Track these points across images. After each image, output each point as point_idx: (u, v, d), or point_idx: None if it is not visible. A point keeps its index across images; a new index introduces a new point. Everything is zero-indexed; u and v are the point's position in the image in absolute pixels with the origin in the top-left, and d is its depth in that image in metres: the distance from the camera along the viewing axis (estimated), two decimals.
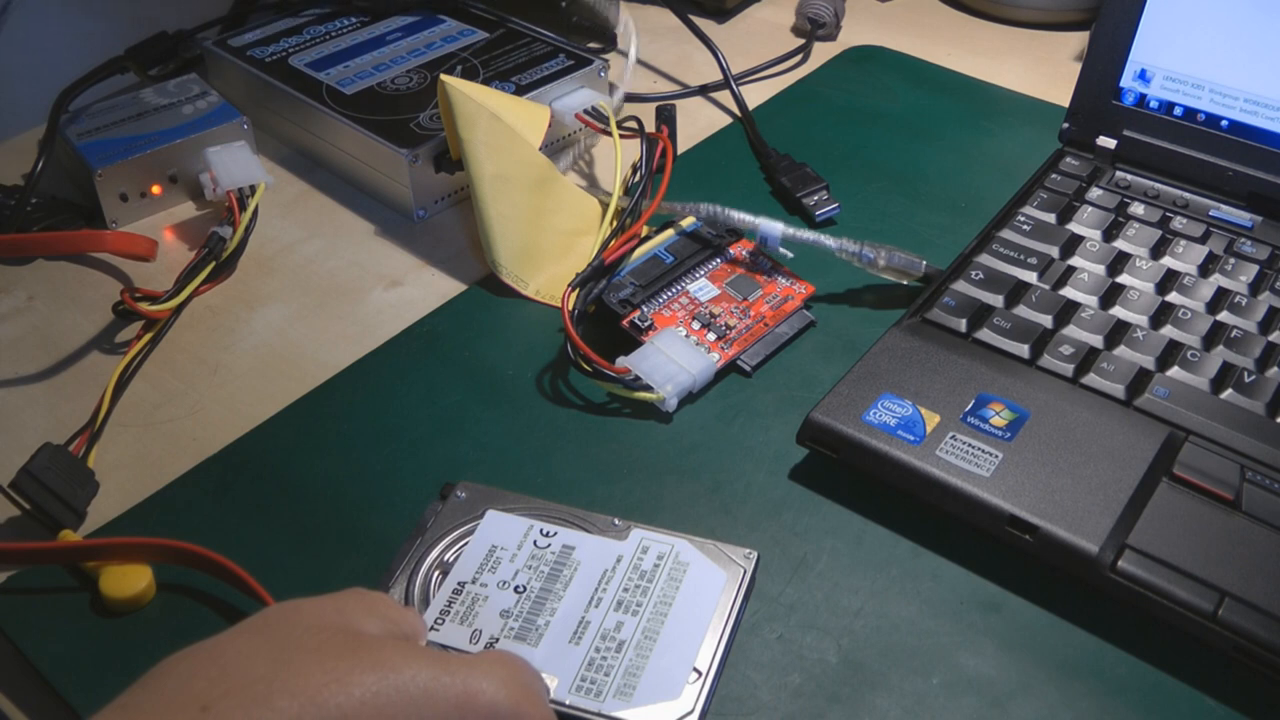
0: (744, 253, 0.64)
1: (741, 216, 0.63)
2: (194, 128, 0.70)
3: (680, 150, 0.74)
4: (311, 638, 0.37)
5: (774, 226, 0.62)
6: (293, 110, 0.74)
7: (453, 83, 0.64)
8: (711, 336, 0.59)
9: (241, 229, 0.66)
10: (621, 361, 0.57)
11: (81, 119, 0.72)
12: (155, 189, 0.70)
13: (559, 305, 0.58)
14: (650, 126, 0.71)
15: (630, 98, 0.78)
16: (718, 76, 0.80)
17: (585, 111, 0.71)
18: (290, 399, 0.58)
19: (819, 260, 0.63)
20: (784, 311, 0.61)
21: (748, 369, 0.59)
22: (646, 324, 0.59)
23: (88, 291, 0.65)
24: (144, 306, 0.61)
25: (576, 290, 0.59)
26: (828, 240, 0.61)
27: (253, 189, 0.68)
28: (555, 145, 0.73)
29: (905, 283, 0.62)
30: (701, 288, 0.62)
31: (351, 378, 0.60)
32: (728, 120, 0.78)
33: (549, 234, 0.65)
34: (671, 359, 0.57)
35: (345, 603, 0.40)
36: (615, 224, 0.64)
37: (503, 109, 0.65)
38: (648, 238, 0.63)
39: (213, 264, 0.65)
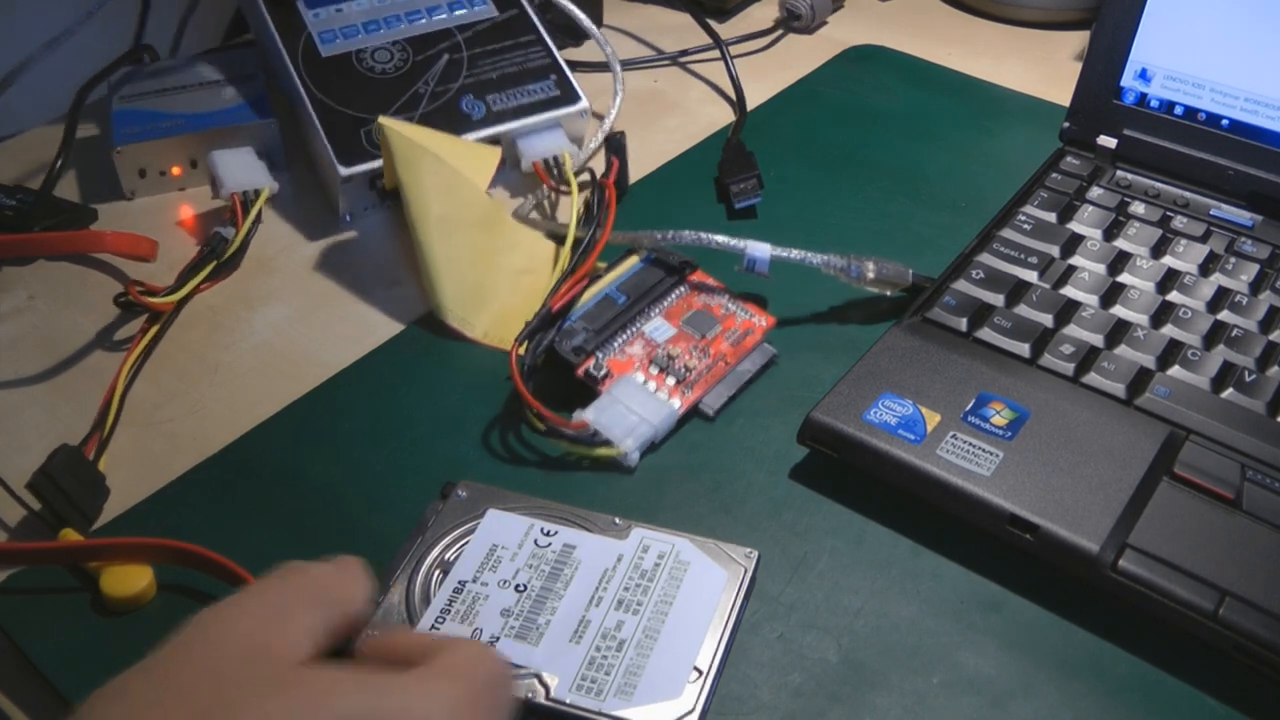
0: (700, 285, 0.61)
1: (724, 240, 0.60)
2: (222, 118, 0.70)
3: (672, 156, 0.74)
4: (234, 670, 0.36)
5: (761, 249, 0.60)
6: (275, 61, 0.72)
7: (392, 126, 0.62)
8: (671, 381, 0.57)
9: (243, 232, 0.66)
10: (578, 415, 0.55)
11: (131, 78, 0.72)
12: (175, 170, 0.71)
13: (508, 349, 0.56)
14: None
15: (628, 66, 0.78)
16: (721, 76, 0.80)
17: (544, 161, 0.69)
18: (291, 398, 0.58)
19: (800, 275, 0.61)
20: (745, 348, 0.59)
21: (710, 414, 0.57)
22: (603, 372, 0.56)
23: (88, 291, 0.65)
24: (147, 299, 0.61)
25: (526, 343, 0.57)
26: (815, 258, 0.60)
27: (257, 193, 0.68)
28: (519, 182, 0.71)
29: (889, 293, 0.61)
30: (657, 327, 0.59)
31: (352, 377, 0.60)
32: (726, 120, 0.78)
33: (498, 274, 0.63)
34: (631, 409, 0.55)
35: (270, 607, 0.38)
36: (565, 269, 0.61)
37: (447, 151, 0.63)
38: (599, 275, 0.61)
39: (214, 263, 0.65)
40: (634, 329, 0.59)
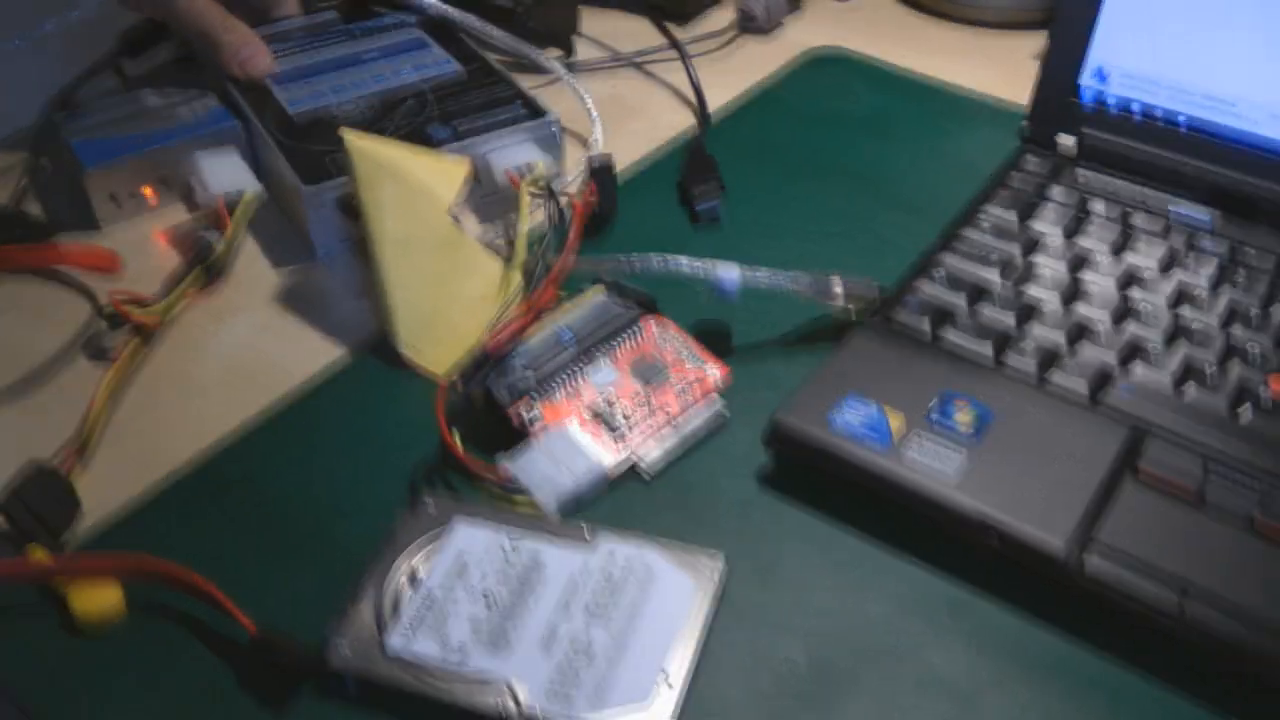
0: (655, 327, 0.59)
1: (690, 263, 0.58)
2: (188, 131, 0.70)
3: (634, 161, 0.74)
4: None
5: (729, 273, 0.58)
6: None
7: (354, 140, 0.61)
8: (609, 434, 0.55)
9: (230, 236, 0.65)
10: (501, 462, 0.53)
11: (78, 115, 0.71)
12: (146, 191, 0.70)
13: (455, 381, 0.55)
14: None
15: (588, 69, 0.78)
16: (680, 80, 0.81)
17: (516, 168, 0.67)
18: (260, 411, 0.58)
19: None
20: (694, 402, 0.56)
21: (647, 477, 0.54)
22: (536, 418, 0.55)
23: (53, 306, 0.64)
24: (132, 312, 0.61)
25: (458, 381, 0.55)
26: (782, 278, 0.58)
27: (244, 197, 0.67)
28: (492, 199, 0.69)
29: (853, 308, 0.59)
30: (603, 373, 0.57)
31: (321, 389, 0.59)
32: (687, 125, 0.78)
33: (454, 301, 0.61)
34: (557, 463, 0.53)
35: None
36: (512, 301, 0.60)
37: (414, 164, 0.62)
38: (556, 307, 0.59)
39: (202, 271, 0.64)
40: (578, 373, 0.57)
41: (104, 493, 0.54)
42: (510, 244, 0.65)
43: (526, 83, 0.74)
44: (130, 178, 0.69)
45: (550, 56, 0.79)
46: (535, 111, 0.70)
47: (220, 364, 0.61)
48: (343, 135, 0.61)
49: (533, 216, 0.66)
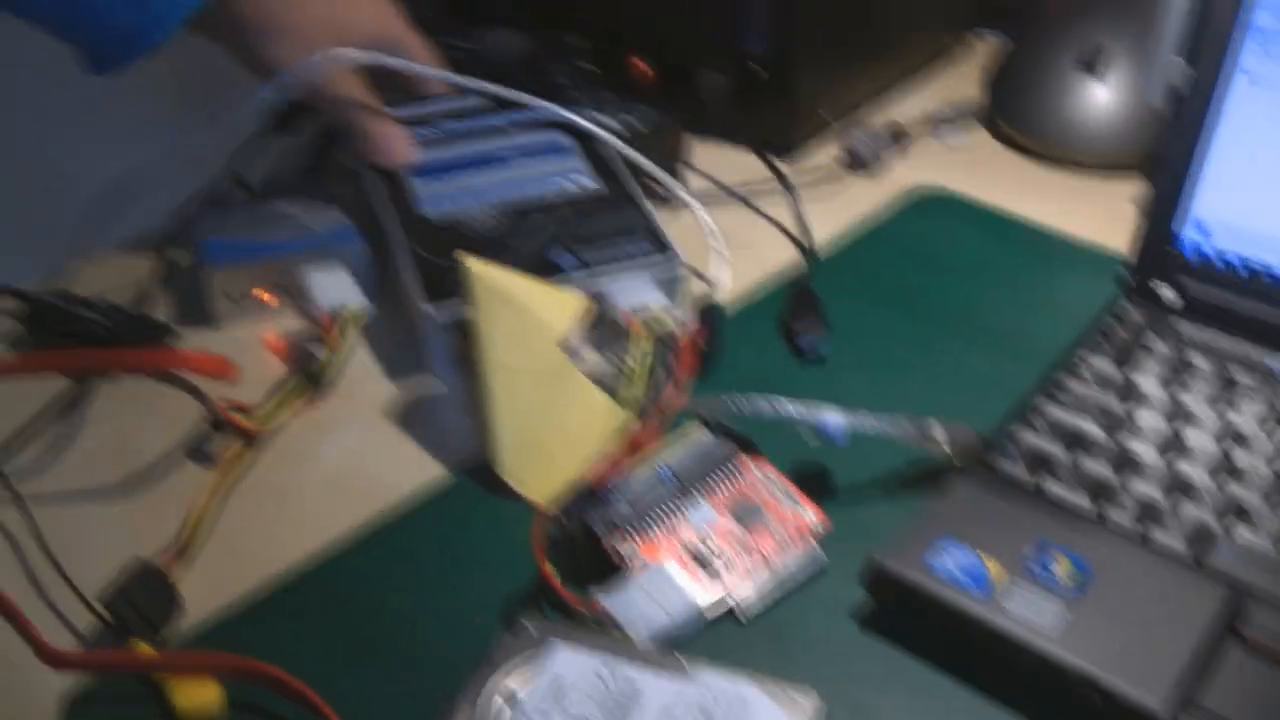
0: (755, 470, 0.60)
1: (797, 410, 0.58)
2: (308, 243, 0.72)
3: (739, 298, 0.75)
4: None
5: (835, 420, 0.58)
6: (375, 211, 0.74)
7: (474, 267, 0.62)
8: (707, 575, 0.55)
9: (336, 351, 0.67)
10: (597, 596, 0.53)
11: (211, 214, 0.75)
12: (265, 295, 0.73)
13: (555, 511, 0.56)
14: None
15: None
16: (784, 216, 0.82)
17: (633, 308, 0.67)
18: (363, 524, 0.60)
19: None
20: (790, 545, 0.57)
21: (743, 619, 0.54)
22: (633, 553, 0.55)
23: (167, 408, 0.67)
24: (239, 420, 0.63)
25: (558, 513, 0.56)
26: (885, 424, 0.59)
27: (350, 312, 0.69)
28: (605, 333, 0.68)
29: (952, 453, 0.60)
30: (702, 513, 0.57)
31: (426, 505, 0.61)
32: (790, 259, 0.80)
33: (557, 432, 0.62)
34: (652, 598, 0.53)
35: None
36: (616, 436, 0.61)
37: (531, 295, 0.63)
38: (659, 446, 0.60)
39: (307, 383, 0.66)
40: (676, 511, 0.57)
41: (205, 593, 0.56)
42: (618, 378, 0.65)
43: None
44: (250, 281, 0.72)
45: (680, 185, 0.79)
46: (659, 246, 0.70)
47: (324, 475, 0.63)
48: (463, 262, 0.62)
49: (642, 353, 0.67)
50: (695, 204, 0.77)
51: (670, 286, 0.70)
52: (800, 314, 0.72)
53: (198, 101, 0.85)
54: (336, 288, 0.70)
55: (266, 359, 0.70)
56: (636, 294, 0.68)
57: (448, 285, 0.65)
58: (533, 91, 0.76)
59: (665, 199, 0.80)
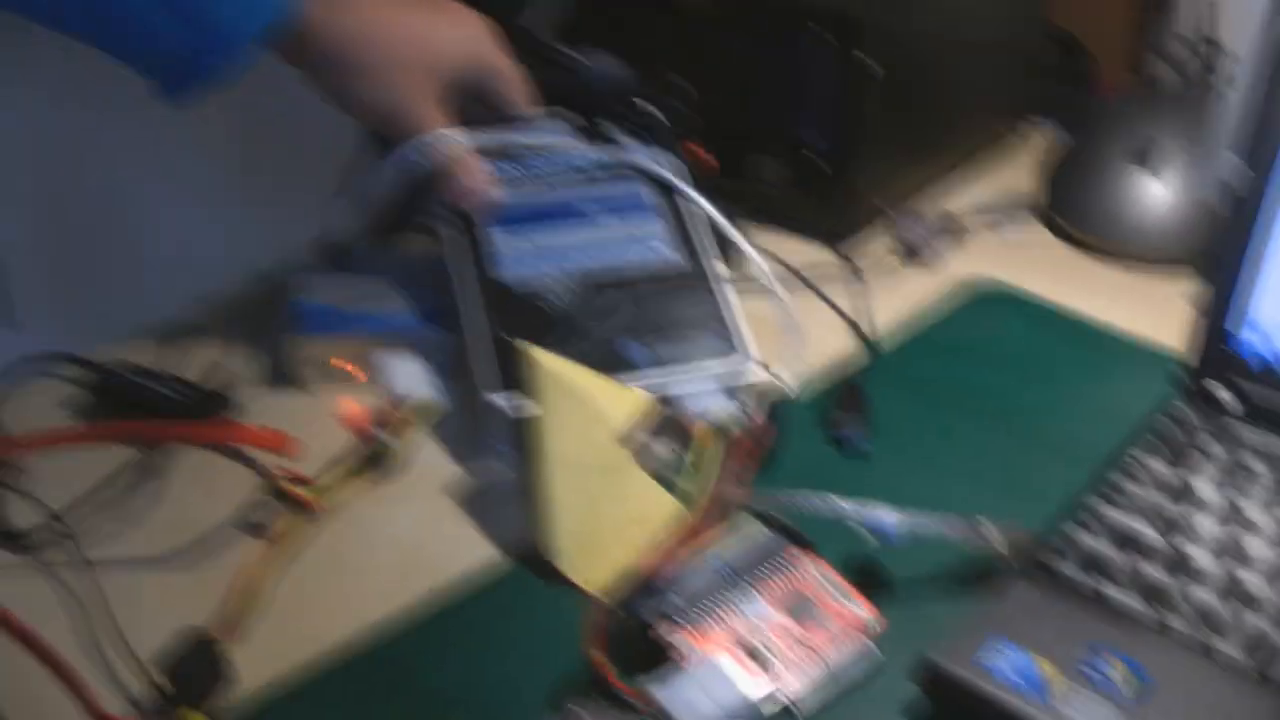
0: (807, 565, 0.60)
1: (851, 508, 0.59)
2: (399, 325, 0.74)
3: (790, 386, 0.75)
4: None
5: (887, 519, 0.58)
6: (452, 269, 0.73)
7: (539, 358, 0.63)
8: (760, 670, 0.55)
9: (400, 439, 0.68)
10: (649, 686, 0.53)
11: (301, 278, 0.76)
12: (348, 366, 0.74)
13: (608, 601, 0.57)
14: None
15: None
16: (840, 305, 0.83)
17: (698, 412, 0.67)
18: (418, 602, 0.60)
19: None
20: (844, 641, 0.57)
21: (797, 715, 0.54)
22: (685, 645, 0.55)
23: (227, 478, 0.68)
24: (298, 492, 0.63)
25: (612, 604, 0.56)
26: (939, 523, 0.59)
27: (422, 405, 0.69)
28: (663, 428, 0.67)
29: (1005, 551, 0.60)
30: (755, 606, 0.57)
31: (479, 586, 0.61)
32: (842, 349, 0.80)
33: (613, 524, 0.61)
34: (704, 691, 0.53)
35: None
36: (672, 530, 0.61)
37: (591, 390, 0.64)
38: (712, 539, 0.60)
39: (367, 465, 0.67)
40: (730, 604, 0.57)
41: (258, 665, 0.56)
42: (676, 472, 0.65)
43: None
44: (334, 352, 0.74)
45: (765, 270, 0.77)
46: (731, 346, 0.70)
47: (381, 551, 0.63)
48: (529, 352, 0.63)
49: (701, 450, 0.66)
50: (782, 292, 0.76)
51: (738, 385, 0.70)
52: (846, 408, 0.72)
53: (285, 165, 0.86)
54: (412, 378, 0.71)
55: (337, 430, 0.71)
56: (703, 397, 0.68)
57: (514, 373, 0.65)
58: (623, 125, 0.76)
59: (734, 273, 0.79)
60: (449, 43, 0.72)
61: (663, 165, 0.78)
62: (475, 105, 0.75)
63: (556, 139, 0.78)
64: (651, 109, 0.79)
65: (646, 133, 0.79)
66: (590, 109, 0.79)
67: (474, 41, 0.73)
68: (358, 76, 0.69)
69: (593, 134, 0.78)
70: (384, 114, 0.71)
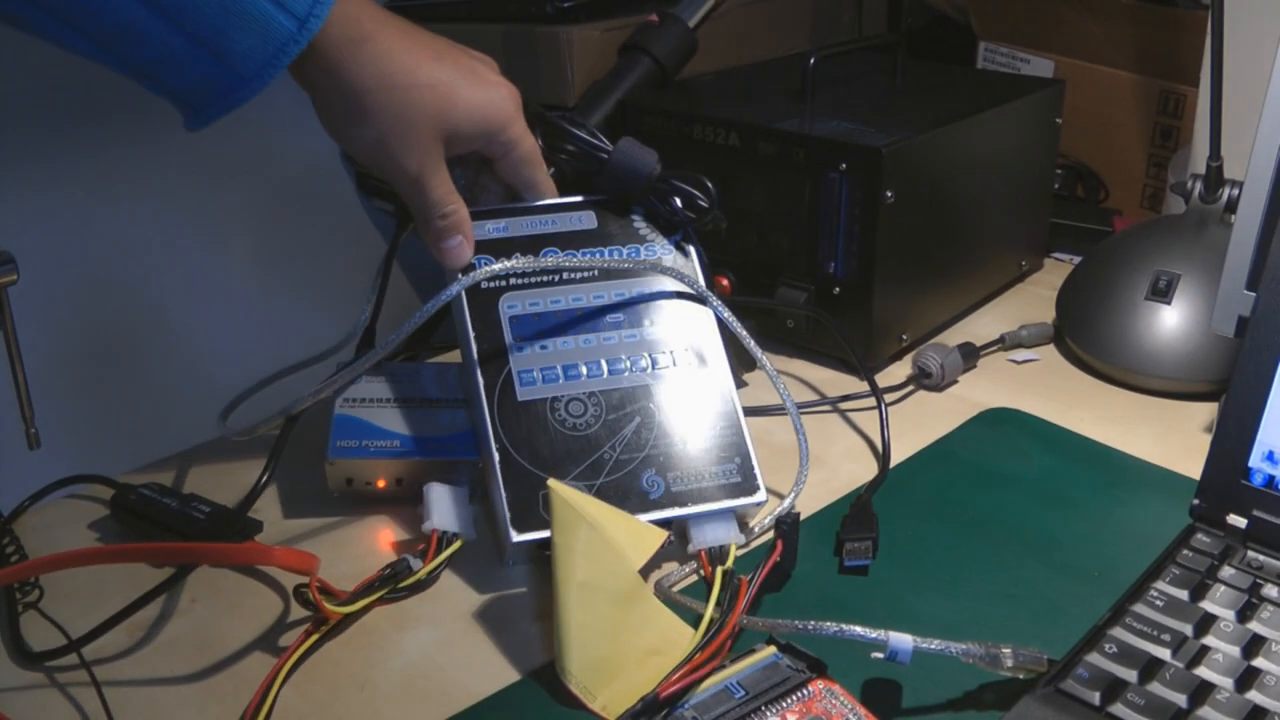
0: (822, 691, 0.60)
1: (866, 633, 0.59)
2: (436, 449, 0.74)
3: (809, 513, 0.76)
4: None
5: (903, 642, 0.59)
6: (472, 392, 0.73)
7: (560, 492, 0.63)
8: None
9: (429, 569, 0.69)
10: None
11: (354, 381, 0.76)
12: (381, 483, 0.75)
13: None
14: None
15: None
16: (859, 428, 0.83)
17: (709, 548, 0.69)
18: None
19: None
20: None
21: None
22: None
23: (248, 599, 0.68)
24: (322, 600, 0.64)
25: None
26: (954, 648, 0.59)
27: (451, 539, 0.70)
28: (677, 555, 0.71)
29: (1023, 676, 0.60)
30: None
31: (496, 707, 0.61)
32: (858, 472, 0.81)
33: (628, 650, 0.62)
34: None
35: None
36: (687, 656, 0.61)
37: (611, 523, 0.64)
38: (721, 666, 0.61)
39: (392, 588, 0.68)
40: None
41: None
42: (693, 600, 0.66)
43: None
44: (370, 471, 0.74)
45: (788, 397, 0.78)
46: (748, 481, 0.71)
47: (397, 671, 0.64)
48: (550, 487, 0.63)
49: (715, 577, 0.67)
50: (796, 414, 0.77)
51: (752, 513, 0.72)
52: (853, 529, 0.72)
53: (313, 272, 0.88)
54: (449, 511, 0.71)
55: (366, 549, 0.72)
56: (714, 532, 0.70)
57: (533, 514, 0.67)
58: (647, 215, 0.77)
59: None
60: (467, 103, 0.70)
61: (685, 260, 0.78)
62: (487, 173, 0.76)
63: (573, 228, 0.78)
64: (675, 202, 0.78)
65: (668, 224, 0.79)
66: (613, 195, 0.78)
67: (494, 107, 0.71)
68: (362, 120, 0.68)
69: (614, 223, 0.78)
70: (382, 163, 0.70)
